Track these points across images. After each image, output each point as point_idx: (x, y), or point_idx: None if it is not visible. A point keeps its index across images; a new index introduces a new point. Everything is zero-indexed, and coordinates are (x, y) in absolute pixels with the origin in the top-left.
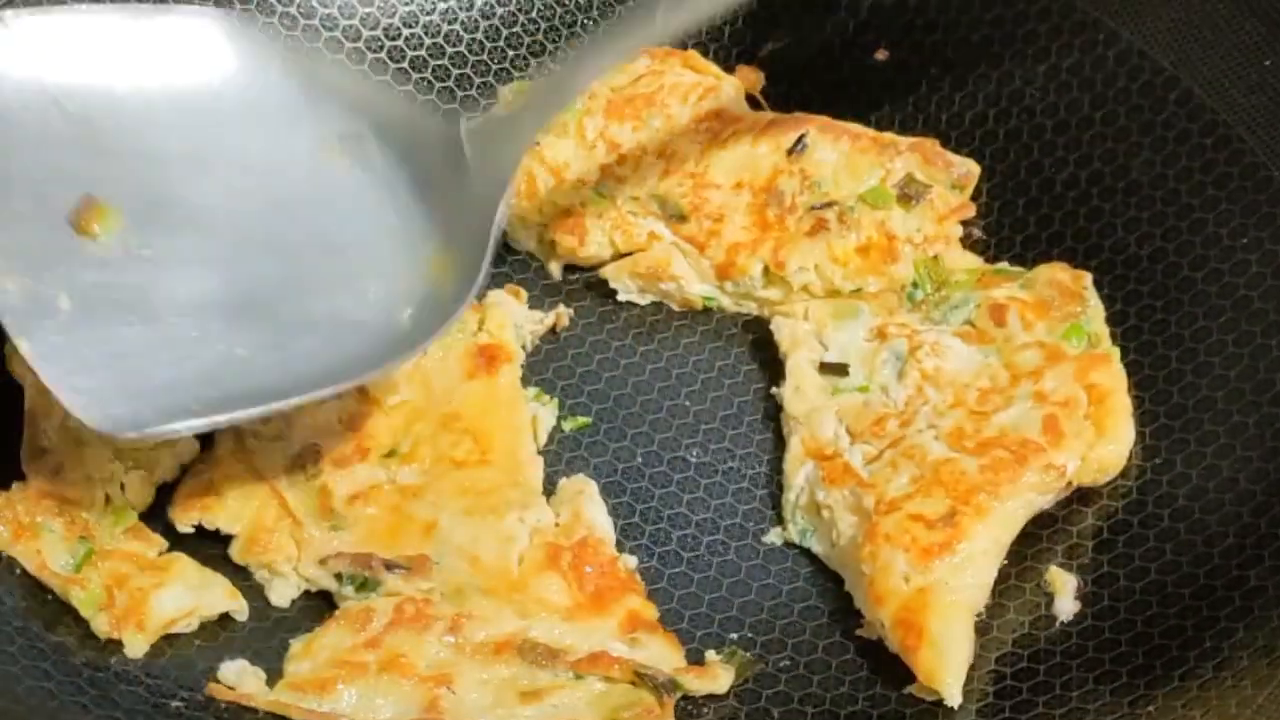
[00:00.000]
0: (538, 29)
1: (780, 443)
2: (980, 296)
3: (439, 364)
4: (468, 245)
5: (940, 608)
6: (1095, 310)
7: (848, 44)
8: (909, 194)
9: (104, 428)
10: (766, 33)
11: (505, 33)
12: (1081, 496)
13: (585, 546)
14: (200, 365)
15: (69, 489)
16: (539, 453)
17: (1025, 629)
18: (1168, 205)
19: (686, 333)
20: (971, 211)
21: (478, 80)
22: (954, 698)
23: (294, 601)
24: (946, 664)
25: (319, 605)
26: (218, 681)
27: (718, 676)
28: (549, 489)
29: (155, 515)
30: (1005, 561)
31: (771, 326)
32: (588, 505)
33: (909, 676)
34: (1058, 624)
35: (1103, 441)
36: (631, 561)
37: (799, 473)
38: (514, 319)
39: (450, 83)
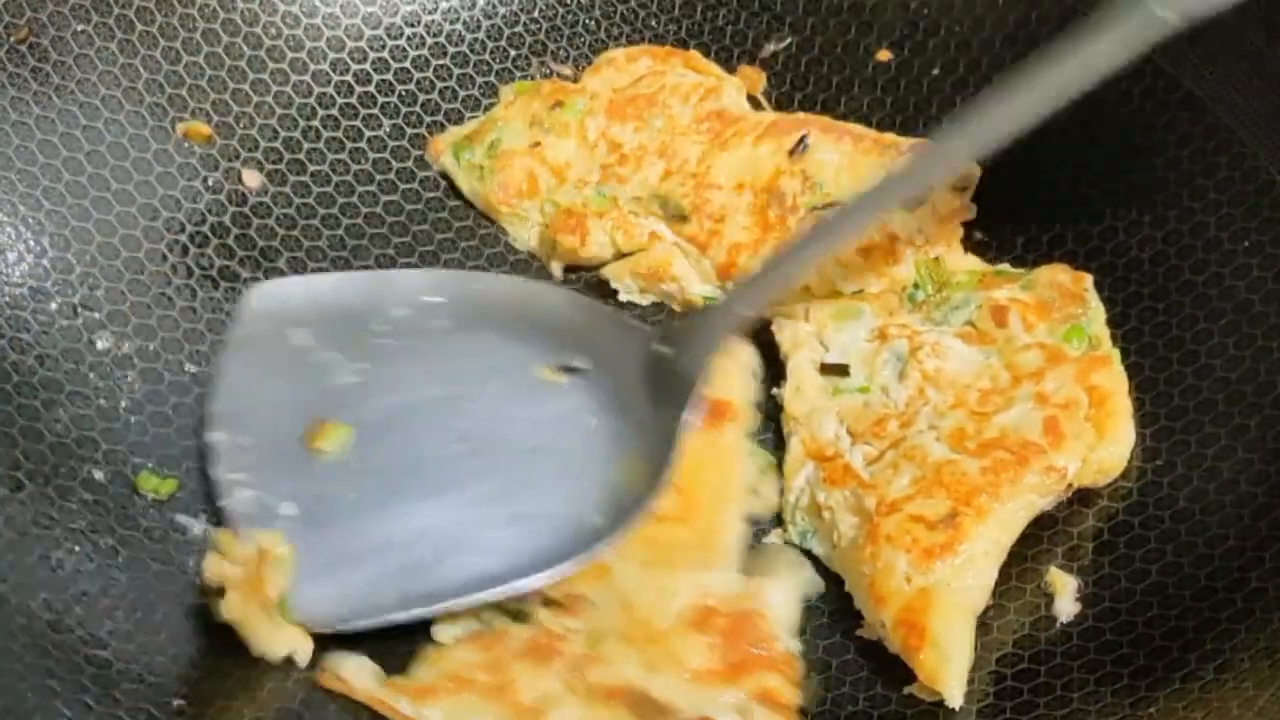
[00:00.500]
0: (539, 29)
1: (781, 443)
2: (981, 297)
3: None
4: (655, 450)
5: (941, 609)
6: (1096, 312)
7: (850, 45)
8: None
9: (311, 624)
10: (769, 33)
11: (507, 33)
12: (1082, 498)
13: (747, 619)
14: (404, 563)
15: None
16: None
17: (1026, 630)
18: (1169, 208)
19: None
20: (972, 213)
21: (479, 80)
22: (955, 699)
23: None
24: (948, 665)
25: None
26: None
27: None
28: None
29: None
30: (1005, 562)
31: (773, 327)
32: (772, 587)
33: (910, 677)
34: (1058, 625)
35: (1103, 443)
36: (795, 647)
37: (799, 474)
38: (748, 369)
39: (452, 82)
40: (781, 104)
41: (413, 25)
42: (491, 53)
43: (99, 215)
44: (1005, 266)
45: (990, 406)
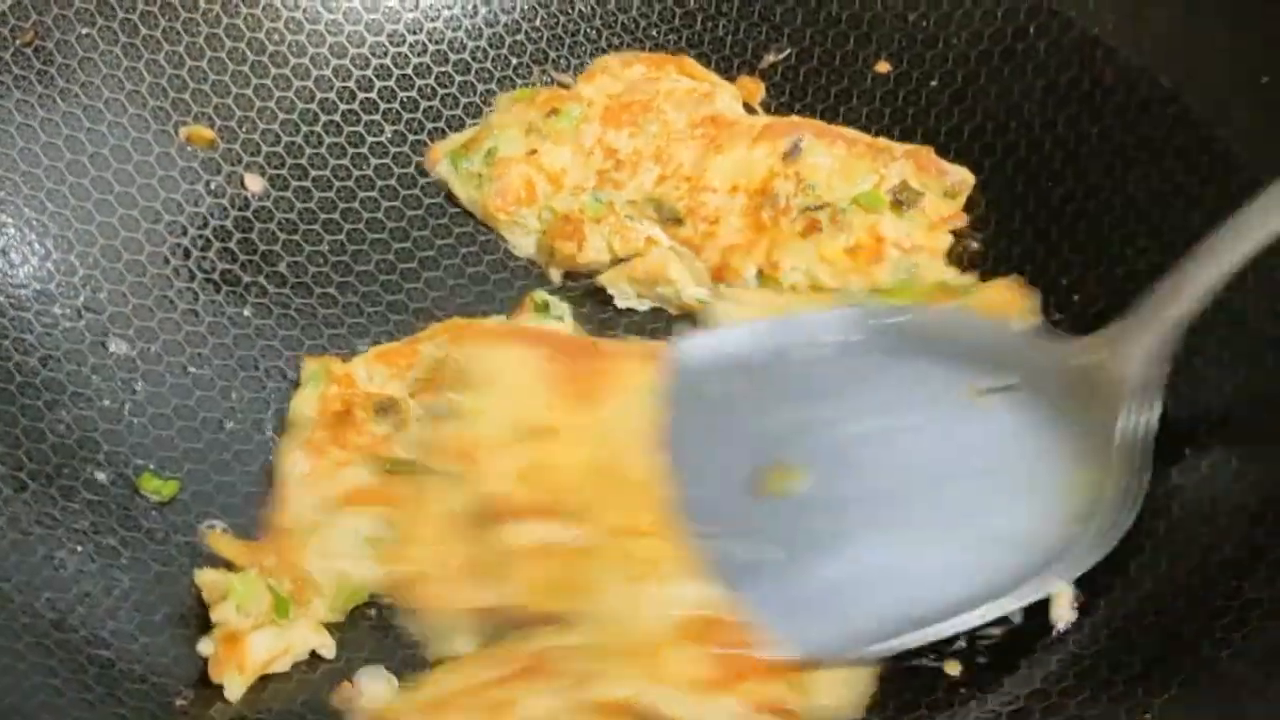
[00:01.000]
0: (540, 37)
1: None
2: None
3: (634, 429)
4: (1108, 459)
5: None
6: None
7: (849, 56)
8: (902, 200)
9: (808, 657)
10: (768, 44)
11: (508, 40)
12: None
13: (739, 629)
14: (880, 590)
15: (308, 564)
16: None
17: (1022, 637)
18: (1164, 219)
19: None
20: (964, 220)
21: (481, 88)
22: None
23: None
24: None
25: None
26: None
27: None
28: None
29: None
30: None
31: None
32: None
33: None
34: (1055, 633)
35: None
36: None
37: None
38: None
39: (454, 89)
40: (780, 114)
41: (415, 32)
42: (493, 60)
43: (102, 218)
44: (966, 279)
45: None
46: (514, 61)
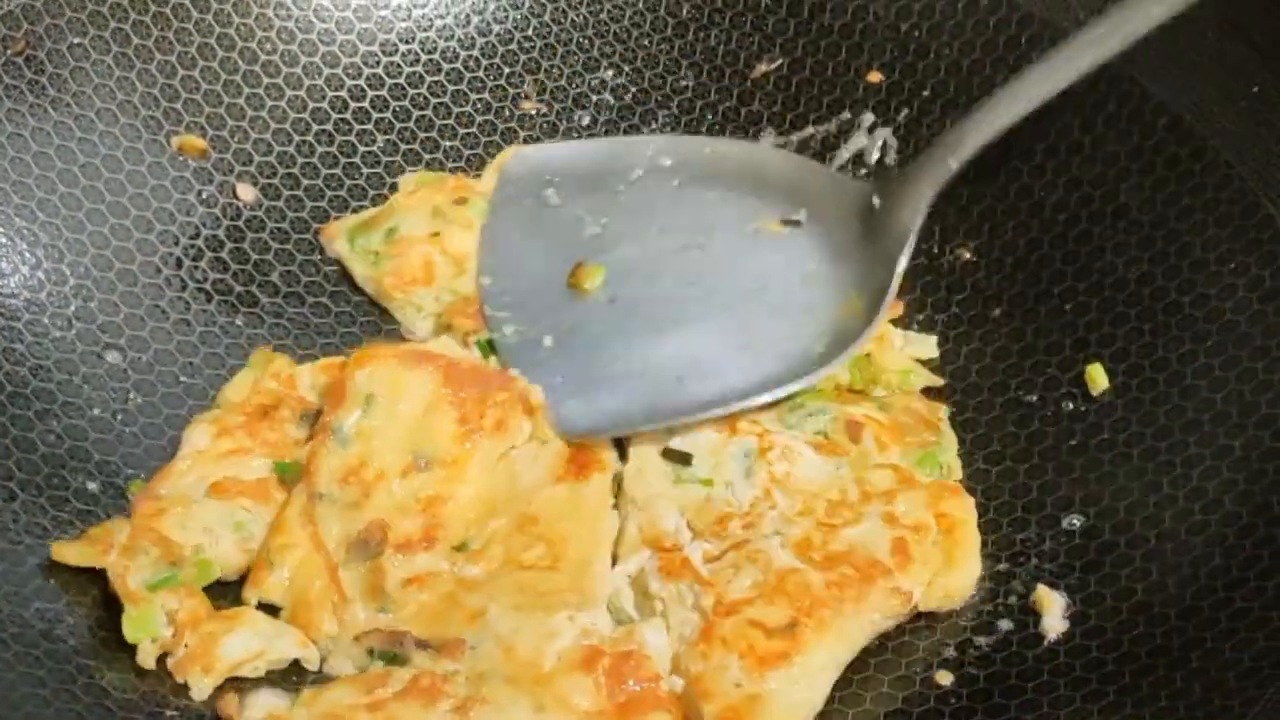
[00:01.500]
0: (533, 47)
1: None
2: (837, 409)
3: (530, 462)
4: (873, 288)
5: (767, 718)
6: (950, 441)
7: (841, 66)
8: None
9: (571, 436)
10: (760, 54)
11: (501, 50)
12: (1069, 516)
13: (629, 659)
14: (651, 384)
15: (167, 531)
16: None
17: (1014, 647)
18: (1156, 229)
19: None
20: (899, 310)
21: (474, 97)
22: None
23: None
24: None
25: None
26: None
27: None
28: None
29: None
30: (994, 580)
31: None
32: (649, 631)
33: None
34: (1045, 643)
35: (950, 570)
36: (677, 684)
37: (631, 559)
38: None
39: (446, 98)
40: (774, 123)
41: (407, 42)
42: (486, 69)
43: (93, 228)
44: (873, 389)
45: (838, 519)
46: (506, 71)
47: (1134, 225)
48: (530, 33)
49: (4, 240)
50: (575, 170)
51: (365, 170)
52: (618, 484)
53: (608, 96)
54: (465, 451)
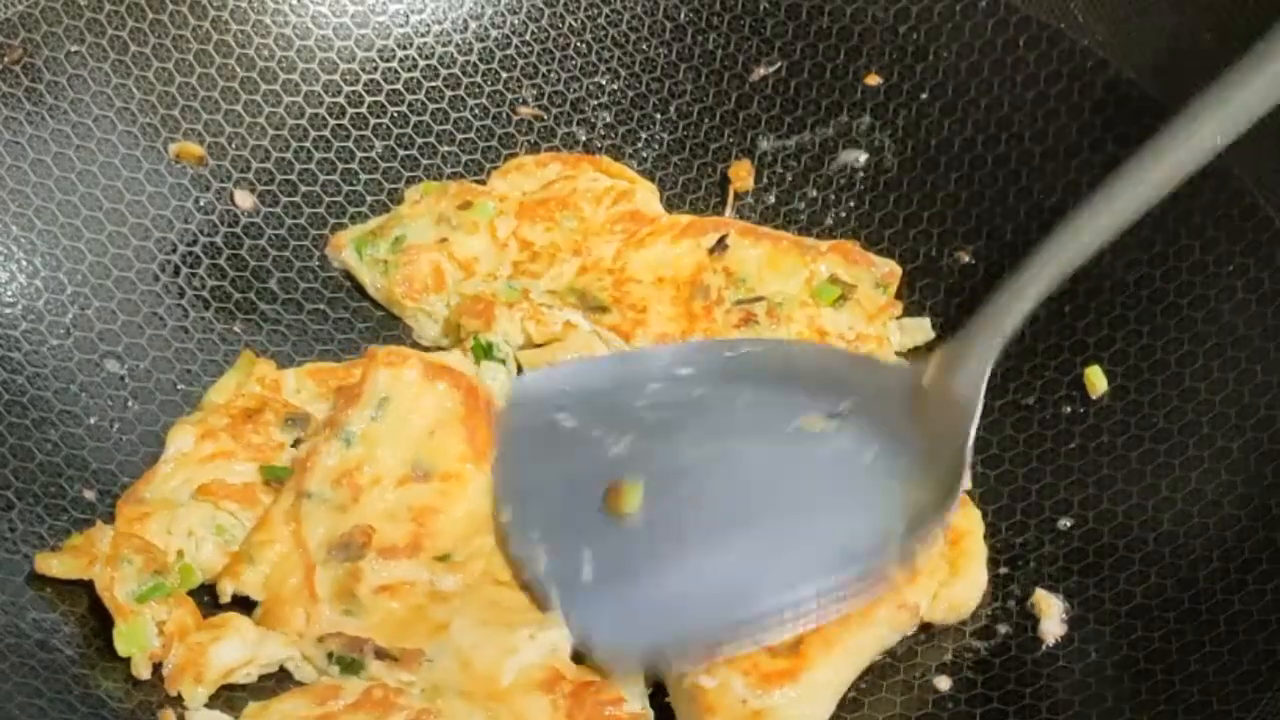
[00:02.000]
0: (531, 52)
1: None
2: None
3: None
4: (943, 466)
5: None
6: None
7: (839, 69)
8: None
9: (623, 671)
10: (758, 57)
11: (499, 55)
12: (1067, 520)
13: (590, 685)
14: (711, 603)
15: (150, 535)
16: None
17: (1012, 651)
18: (1154, 231)
19: None
20: (898, 311)
21: (471, 103)
22: None
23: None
24: None
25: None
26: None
27: None
28: None
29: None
30: (992, 583)
31: None
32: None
33: None
34: (1044, 647)
35: (956, 581)
36: (644, 708)
37: None
38: None
39: (445, 104)
40: (772, 127)
41: (405, 48)
42: (484, 75)
43: (91, 235)
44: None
45: None
46: (504, 76)
47: (1132, 227)
48: (528, 38)
49: (1, 248)
50: (585, 391)
51: (363, 176)
52: None
53: (606, 101)
54: (467, 471)
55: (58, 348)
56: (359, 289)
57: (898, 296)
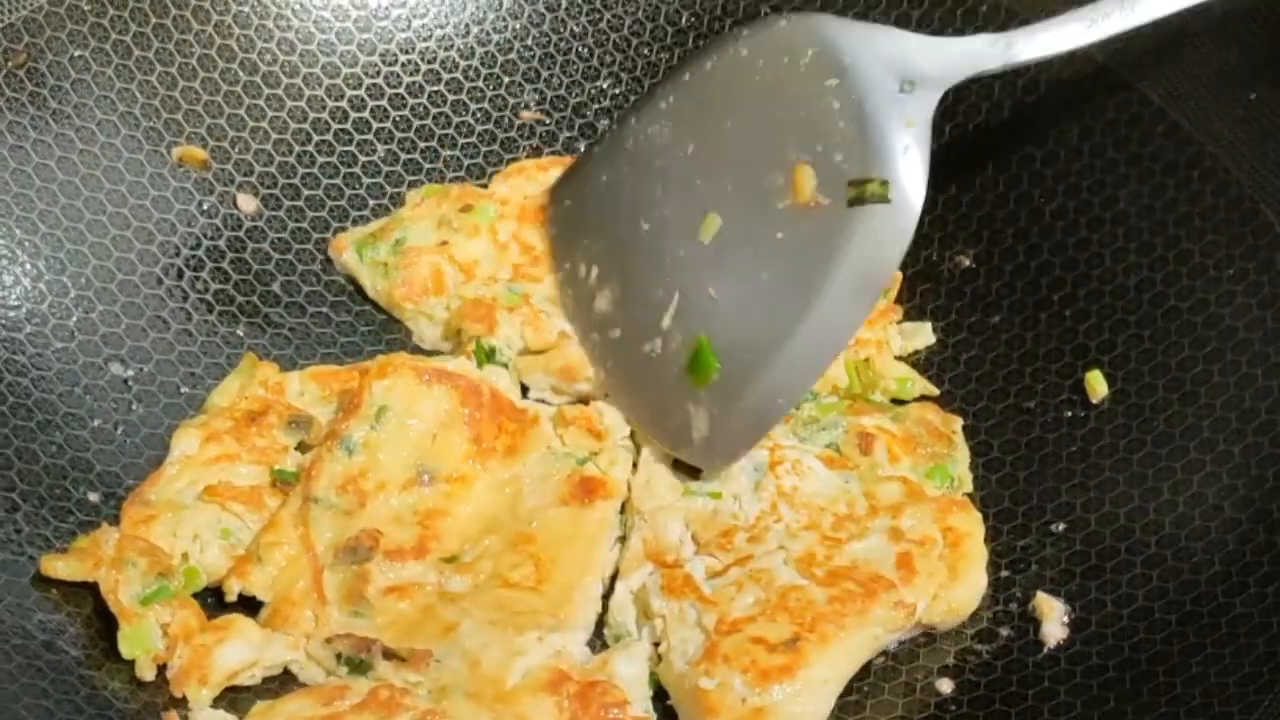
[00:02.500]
0: (533, 56)
1: None
2: (849, 422)
3: (538, 484)
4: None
5: None
6: (962, 454)
7: None
8: None
9: None
10: None
11: (501, 60)
12: (1069, 523)
13: (596, 687)
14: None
15: (154, 537)
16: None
17: (1014, 654)
18: (1155, 235)
19: None
20: (899, 315)
21: (473, 106)
22: None
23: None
24: None
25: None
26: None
27: None
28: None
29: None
30: (993, 587)
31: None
32: (622, 660)
33: None
34: (1045, 649)
35: (955, 584)
36: (649, 712)
37: (635, 574)
38: (625, 445)
39: (446, 108)
40: None
41: (407, 52)
42: (485, 79)
43: (95, 239)
44: (878, 398)
45: (844, 533)
46: (506, 80)
47: (1133, 231)
48: (530, 42)
49: (5, 252)
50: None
51: (366, 180)
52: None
53: (608, 105)
54: (472, 470)
55: (62, 351)
56: (361, 292)
57: (898, 301)
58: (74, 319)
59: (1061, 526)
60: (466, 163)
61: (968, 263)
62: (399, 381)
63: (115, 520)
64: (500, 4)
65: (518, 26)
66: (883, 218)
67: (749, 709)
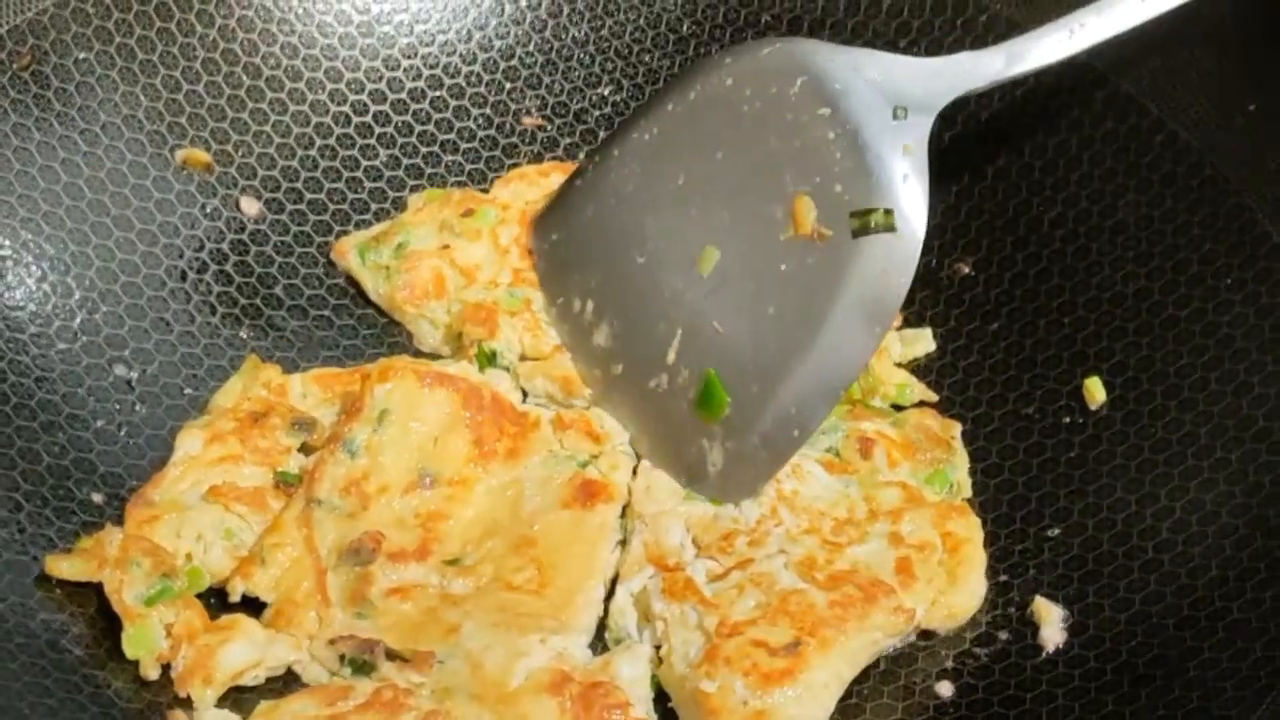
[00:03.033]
0: (535, 62)
1: None
2: (849, 427)
3: (539, 487)
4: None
5: None
6: (961, 459)
7: None
8: None
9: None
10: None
11: (503, 65)
12: (1067, 528)
13: (598, 688)
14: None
15: (158, 538)
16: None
17: (1012, 657)
18: (1153, 244)
19: None
20: (898, 321)
21: (475, 112)
22: None
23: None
24: None
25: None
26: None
27: None
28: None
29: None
30: (992, 591)
31: None
32: (624, 661)
33: None
34: (1044, 654)
35: (954, 589)
36: (642, 712)
37: (635, 577)
38: (627, 450)
39: (449, 114)
40: None
41: (410, 58)
42: (487, 85)
43: (98, 240)
44: (878, 403)
45: (844, 537)
46: (508, 86)
47: (1131, 240)
48: (531, 49)
49: (10, 253)
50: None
51: (368, 184)
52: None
53: (609, 111)
54: (474, 473)
55: (65, 352)
56: (363, 296)
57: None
58: (78, 320)
59: (1059, 532)
60: (468, 168)
61: (967, 270)
62: (401, 385)
63: (119, 521)
64: (502, 10)
65: (520, 32)
66: (887, 247)
67: (750, 711)
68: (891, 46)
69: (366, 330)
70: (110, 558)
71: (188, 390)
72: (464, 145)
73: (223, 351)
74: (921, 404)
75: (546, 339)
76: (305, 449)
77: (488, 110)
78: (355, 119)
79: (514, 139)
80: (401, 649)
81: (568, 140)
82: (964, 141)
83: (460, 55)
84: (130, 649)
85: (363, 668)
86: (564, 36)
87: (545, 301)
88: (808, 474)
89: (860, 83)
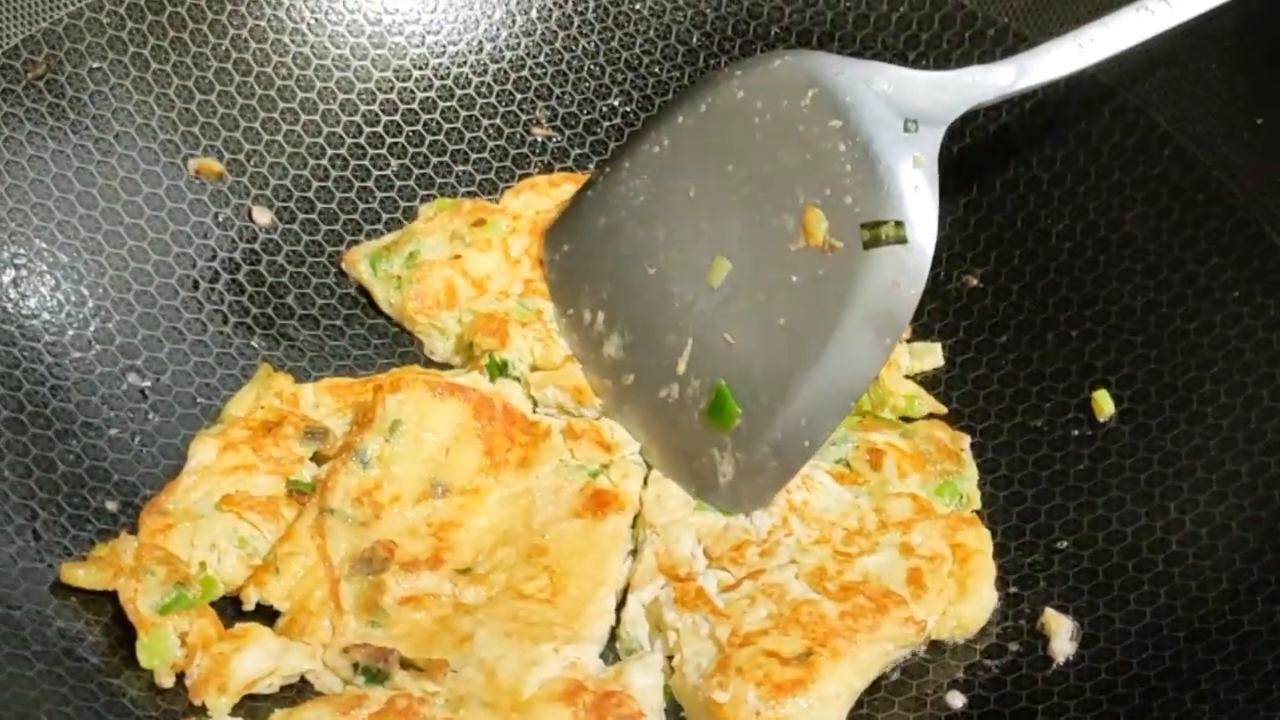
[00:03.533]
0: (545, 73)
1: None
2: (859, 438)
3: (551, 496)
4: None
5: None
6: (970, 471)
7: None
8: None
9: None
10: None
11: (514, 76)
12: (1076, 540)
13: (611, 698)
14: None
15: (172, 546)
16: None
17: (1023, 670)
18: (1161, 257)
19: None
20: (907, 334)
21: (485, 122)
22: None
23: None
24: None
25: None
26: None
27: None
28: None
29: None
30: (1002, 603)
31: None
32: (637, 671)
33: None
34: (1055, 666)
35: (964, 601)
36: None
37: (647, 587)
38: (638, 460)
39: (459, 124)
40: None
41: (421, 68)
42: (498, 95)
43: (112, 249)
44: (888, 415)
45: (854, 548)
46: (518, 97)
47: (1139, 253)
48: (541, 59)
49: (24, 262)
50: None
51: (379, 194)
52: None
53: (618, 122)
54: (485, 483)
55: (79, 360)
56: (374, 305)
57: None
58: (91, 329)
59: (1069, 544)
60: (479, 178)
61: (975, 282)
62: (412, 395)
63: (133, 529)
64: (513, 21)
65: (530, 44)
66: (898, 258)
67: None
68: (900, 59)
69: (378, 340)
70: (125, 566)
71: (200, 399)
72: (475, 155)
73: (235, 360)
74: (930, 416)
75: (557, 349)
76: (318, 458)
77: (498, 121)
78: (367, 129)
79: (524, 149)
80: (415, 658)
81: (578, 151)
82: (972, 154)
83: (471, 66)
84: (145, 658)
85: (376, 676)
86: (574, 48)
87: (556, 312)
88: (818, 485)
89: (871, 95)
